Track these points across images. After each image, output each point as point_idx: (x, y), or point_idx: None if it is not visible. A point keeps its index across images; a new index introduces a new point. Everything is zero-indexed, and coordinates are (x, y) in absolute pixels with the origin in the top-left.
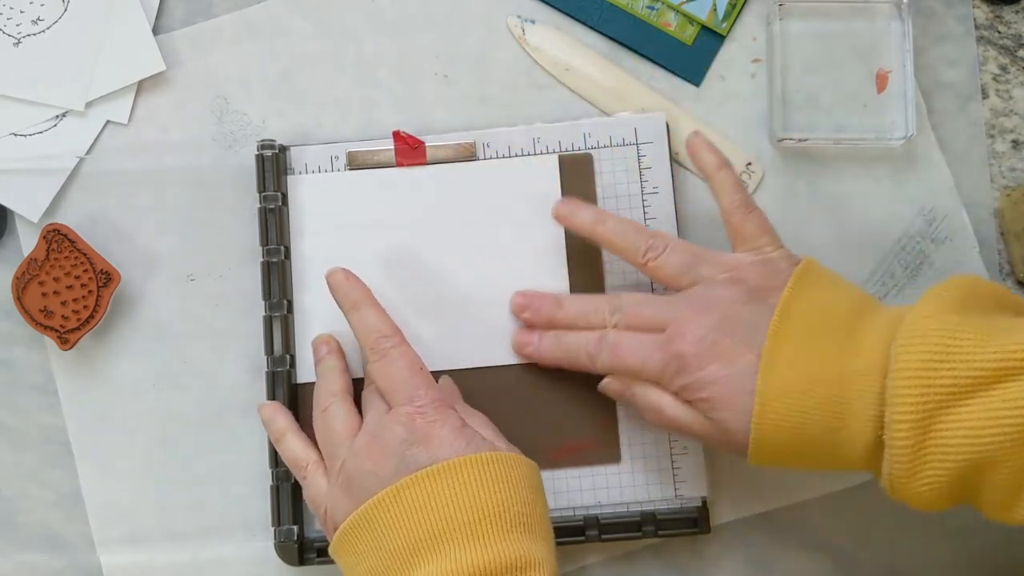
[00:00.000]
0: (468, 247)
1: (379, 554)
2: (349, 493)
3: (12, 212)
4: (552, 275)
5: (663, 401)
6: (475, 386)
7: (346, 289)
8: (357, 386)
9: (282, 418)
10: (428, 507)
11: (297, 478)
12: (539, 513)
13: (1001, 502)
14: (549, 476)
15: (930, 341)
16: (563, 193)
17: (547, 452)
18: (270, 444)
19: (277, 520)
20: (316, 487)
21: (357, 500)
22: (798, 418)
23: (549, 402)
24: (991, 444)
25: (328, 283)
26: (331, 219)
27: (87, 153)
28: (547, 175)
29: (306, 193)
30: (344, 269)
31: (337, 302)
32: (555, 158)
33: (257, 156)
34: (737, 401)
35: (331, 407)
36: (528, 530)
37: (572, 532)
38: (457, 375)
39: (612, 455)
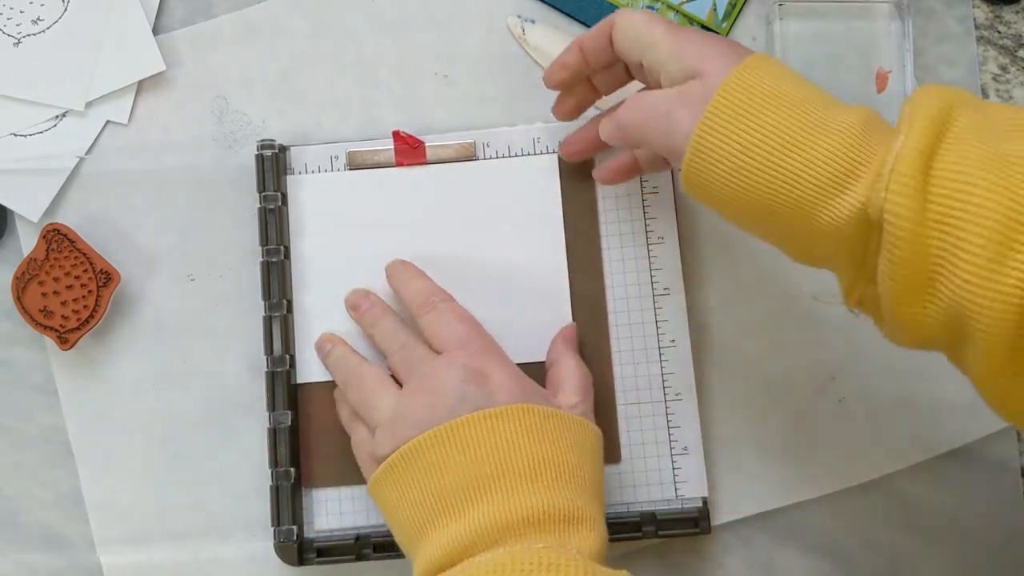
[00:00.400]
0: (468, 247)
1: (428, 490)
2: (395, 431)
3: (12, 212)
4: (552, 275)
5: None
6: None
7: (399, 270)
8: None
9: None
10: (485, 448)
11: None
12: (596, 480)
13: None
14: None
15: (949, 89)
16: (563, 193)
17: None
18: (270, 444)
19: (277, 520)
20: (361, 433)
21: (406, 436)
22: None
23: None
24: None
25: (386, 270)
26: (331, 219)
27: (87, 153)
28: (547, 175)
29: (306, 193)
30: (402, 260)
31: (391, 283)
32: (555, 158)
33: (257, 156)
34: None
35: (357, 370)
36: (584, 490)
37: None
38: None
39: (612, 455)
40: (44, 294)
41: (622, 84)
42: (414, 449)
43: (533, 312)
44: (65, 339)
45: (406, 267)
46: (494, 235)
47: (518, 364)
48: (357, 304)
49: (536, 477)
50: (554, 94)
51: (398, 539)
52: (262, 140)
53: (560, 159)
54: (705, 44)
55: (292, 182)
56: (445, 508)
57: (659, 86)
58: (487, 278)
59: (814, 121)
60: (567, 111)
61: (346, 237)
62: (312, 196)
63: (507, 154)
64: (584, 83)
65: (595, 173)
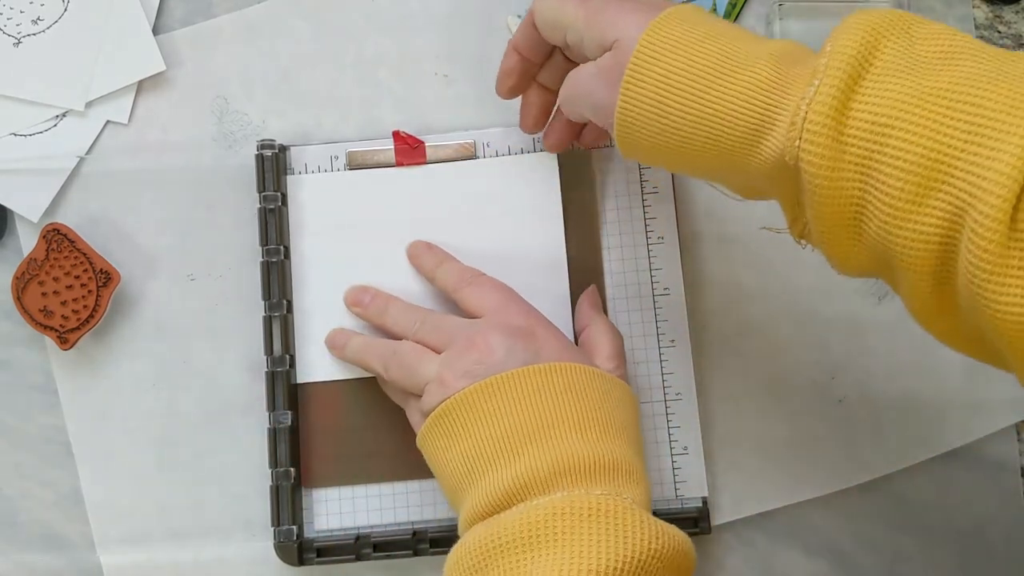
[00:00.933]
0: (467, 245)
1: (478, 438)
2: (444, 384)
3: (12, 212)
4: (552, 273)
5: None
6: None
7: (428, 254)
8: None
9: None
10: (534, 400)
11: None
12: (639, 440)
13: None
14: None
15: (879, 15)
16: (563, 193)
17: None
18: (270, 444)
19: (277, 520)
20: (414, 402)
21: (455, 388)
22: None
23: None
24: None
25: (409, 254)
26: (331, 219)
27: (87, 153)
28: (547, 173)
29: (306, 193)
30: (425, 241)
31: (420, 268)
32: (554, 157)
33: (257, 156)
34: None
35: (391, 347)
36: (631, 446)
37: None
38: None
39: None
40: (44, 294)
41: (567, 71)
42: (464, 399)
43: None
44: (65, 339)
45: (433, 250)
46: (494, 232)
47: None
48: (359, 299)
49: (585, 430)
50: None
51: (446, 490)
52: (262, 140)
53: (560, 157)
54: (618, 11)
55: (292, 182)
56: (497, 455)
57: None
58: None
59: (726, 69)
60: (533, 120)
61: (346, 236)
62: (312, 196)
63: (507, 153)
64: (536, 87)
65: (543, 143)
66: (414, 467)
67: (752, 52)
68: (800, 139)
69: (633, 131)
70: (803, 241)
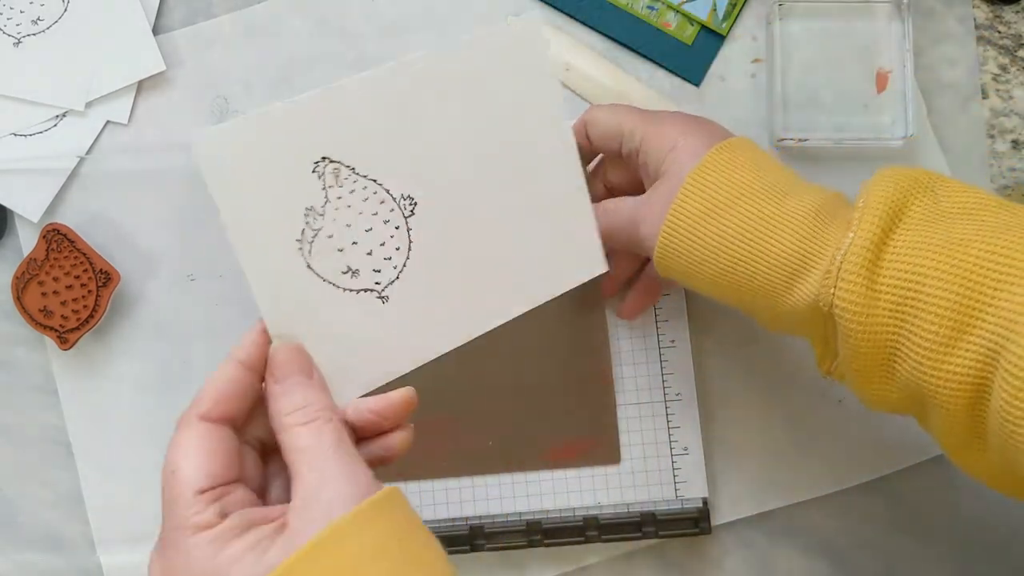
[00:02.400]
0: (453, 171)
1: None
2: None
3: (12, 212)
4: (563, 182)
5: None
6: (473, 385)
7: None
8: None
9: None
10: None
11: None
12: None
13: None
14: (548, 476)
15: (906, 174)
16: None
17: (546, 452)
18: None
19: None
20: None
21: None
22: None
23: (549, 401)
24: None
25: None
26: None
27: (87, 153)
28: (530, 47)
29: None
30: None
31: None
32: (538, 22)
33: None
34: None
35: None
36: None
37: (572, 532)
38: (451, 372)
39: (612, 456)
40: (44, 294)
41: (629, 173)
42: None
43: (548, 233)
44: (65, 339)
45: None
46: (472, 151)
47: (513, 365)
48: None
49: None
50: None
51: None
52: None
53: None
54: (673, 127)
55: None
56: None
57: (641, 169)
58: (480, 211)
59: (769, 214)
60: (617, 281)
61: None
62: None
63: None
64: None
65: (618, 313)
66: (418, 467)
67: (795, 199)
68: (835, 287)
69: (673, 255)
70: (829, 376)
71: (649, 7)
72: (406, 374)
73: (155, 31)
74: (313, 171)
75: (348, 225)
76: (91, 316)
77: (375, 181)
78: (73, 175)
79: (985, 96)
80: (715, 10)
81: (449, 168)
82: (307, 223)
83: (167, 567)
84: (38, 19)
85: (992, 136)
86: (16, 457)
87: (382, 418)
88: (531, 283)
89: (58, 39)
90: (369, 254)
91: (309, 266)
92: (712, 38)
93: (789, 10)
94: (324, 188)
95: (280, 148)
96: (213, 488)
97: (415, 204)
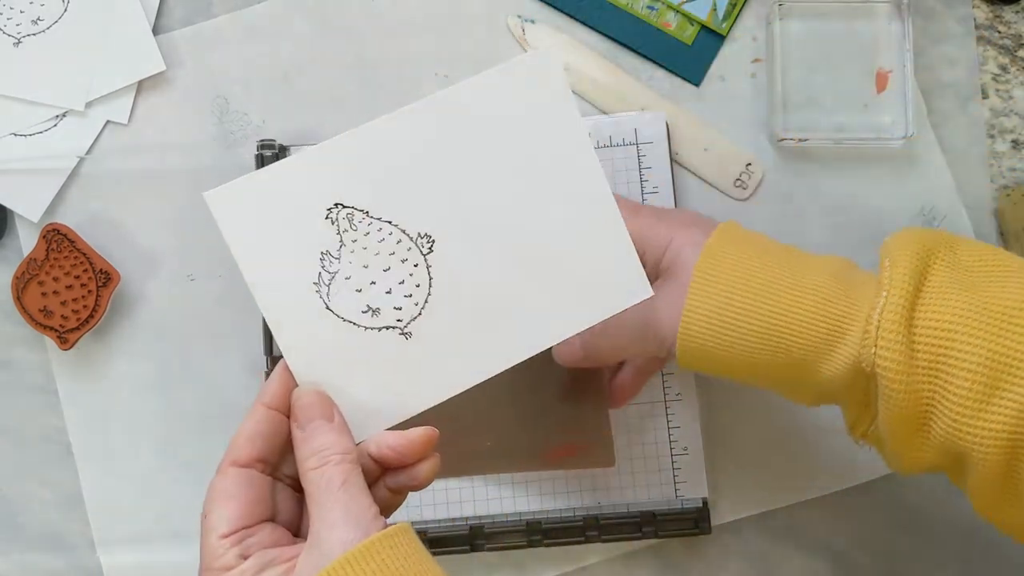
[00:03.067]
0: (478, 208)
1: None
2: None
3: (12, 212)
4: (592, 206)
5: None
6: (473, 387)
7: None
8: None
9: None
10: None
11: None
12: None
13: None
14: (549, 476)
15: (925, 232)
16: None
17: (541, 454)
18: None
19: None
20: None
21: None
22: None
23: (543, 405)
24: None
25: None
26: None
27: (87, 153)
28: (546, 76)
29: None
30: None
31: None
32: (553, 58)
33: (257, 156)
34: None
35: None
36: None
37: (572, 532)
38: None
39: (605, 458)
40: (44, 294)
41: None
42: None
43: (582, 260)
44: (65, 339)
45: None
46: (492, 192)
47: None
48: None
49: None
50: None
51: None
52: (262, 140)
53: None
54: (670, 226)
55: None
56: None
57: None
58: (505, 243)
59: (788, 284)
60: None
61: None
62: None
63: None
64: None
65: (612, 401)
66: None
67: (808, 266)
68: (876, 346)
69: (698, 346)
70: (862, 441)
71: (649, 7)
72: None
73: (155, 31)
74: (326, 217)
75: (365, 266)
76: (91, 316)
77: (390, 223)
78: (73, 175)
79: (985, 96)
80: (715, 10)
81: (468, 203)
82: (323, 267)
83: None
84: (38, 19)
85: (992, 136)
86: (16, 457)
87: (402, 455)
88: (565, 312)
89: (58, 39)
90: (388, 292)
91: (328, 307)
92: (712, 38)
93: (789, 10)
94: (339, 233)
95: (292, 198)
96: (235, 532)
97: (433, 241)
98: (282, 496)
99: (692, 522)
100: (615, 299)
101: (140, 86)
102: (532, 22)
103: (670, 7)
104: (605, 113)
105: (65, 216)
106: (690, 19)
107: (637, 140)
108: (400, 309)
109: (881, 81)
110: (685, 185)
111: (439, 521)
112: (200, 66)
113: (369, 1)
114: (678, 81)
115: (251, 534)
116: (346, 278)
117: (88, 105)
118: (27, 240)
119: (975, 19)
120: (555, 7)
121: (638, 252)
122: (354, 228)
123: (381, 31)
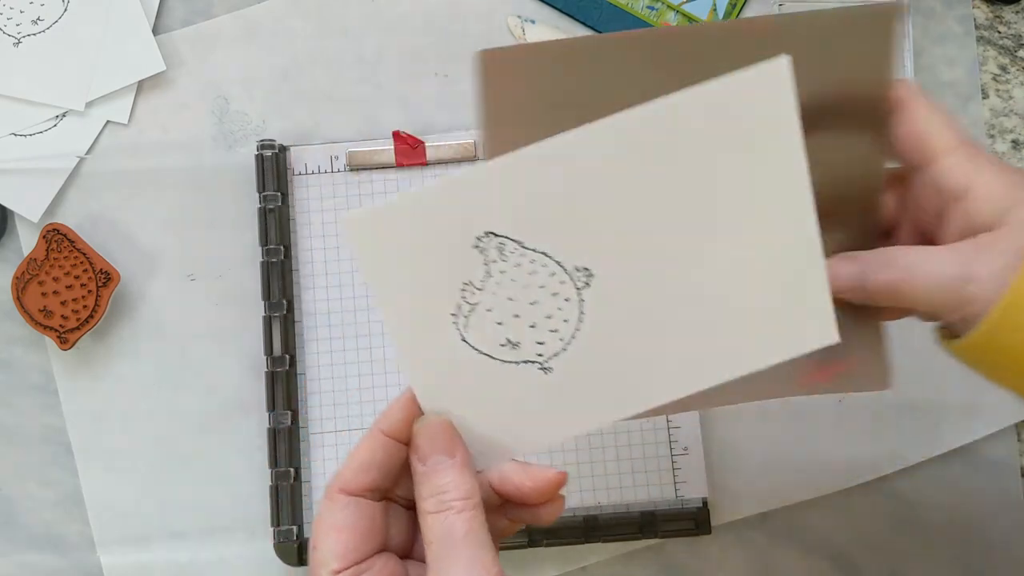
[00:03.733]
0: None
1: None
2: None
3: (12, 212)
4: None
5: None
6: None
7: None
8: None
9: None
10: None
11: None
12: None
13: None
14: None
15: None
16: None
17: (799, 374)
18: (270, 444)
19: (276, 520)
20: None
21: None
22: None
23: None
24: None
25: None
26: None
27: (87, 153)
28: (774, 90)
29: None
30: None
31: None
32: (783, 62)
33: (257, 156)
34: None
35: None
36: None
37: (572, 532)
38: None
39: (878, 378)
40: (44, 294)
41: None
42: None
43: (764, 295)
44: (65, 339)
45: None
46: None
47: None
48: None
49: None
50: None
51: None
52: (262, 140)
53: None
54: (1013, 175)
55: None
56: None
57: (946, 210)
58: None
59: None
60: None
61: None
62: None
63: None
64: None
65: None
66: None
67: None
68: None
69: (1013, 325)
70: None
71: (649, 7)
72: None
73: (155, 31)
74: (475, 246)
75: (510, 298)
76: (91, 316)
77: (545, 254)
78: (73, 175)
79: (985, 96)
80: (715, 10)
81: (640, 232)
82: (464, 298)
83: None
84: (38, 19)
85: (992, 136)
86: (16, 457)
87: (526, 497)
88: (730, 352)
89: (58, 39)
90: (532, 327)
91: (464, 339)
92: None
93: (789, 10)
94: (486, 263)
95: (437, 225)
96: (348, 568)
97: (591, 276)
98: (394, 518)
99: (692, 522)
100: (795, 342)
101: (140, 86)
102: (532, 22)
103: (670, 7)
104: None
105: (65, 216)
106: (690, 19)
107: None
108: (543, 344)
109: None
110: None
111: None
112: (200, 66)
113: (369, 1)
114: None
115: (364, 570)
116: (487, 310)
117: (88, 105)
118: (27, 240)
119: (975, 19)
120: (555, 7)
121: (964, 192)
122: (504, 259)
123: (381, 31)
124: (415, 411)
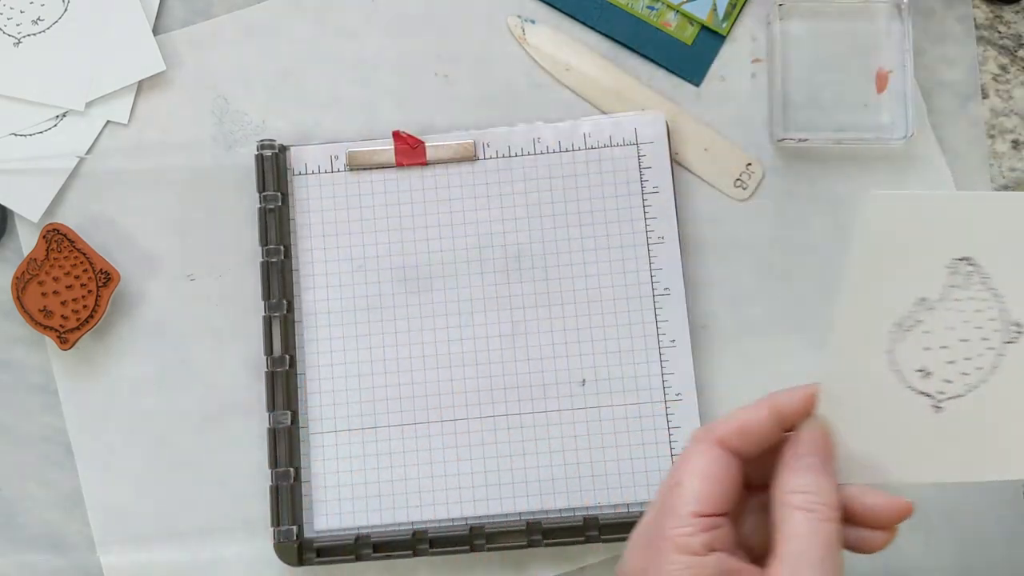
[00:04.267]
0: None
1: None
2: None
3: (12, 212)
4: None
5: None
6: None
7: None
8: None
9: None
10: None
11: None
12: None
13: None
14: (549, 476)
15: None
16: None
17: None
18: (270, 444)
19: (276, 520)
20: None
21: None
22: None
23: None
24: None
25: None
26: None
27: (87, 153)
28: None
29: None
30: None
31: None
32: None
33: (257, 156)
34: None
35: None
36: None
37: (572, 532)
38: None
39: None
40: (44, 294)
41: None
42: None
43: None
44: (65, 339)
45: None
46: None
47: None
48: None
49: None
50: (553, 94)
51: None
52: (262, 140)
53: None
54: None
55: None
56: None
57: None
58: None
59: None
60: None
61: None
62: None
63: (507, 154)
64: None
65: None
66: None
67: None
68: None
69: None
70: None
71: (649, 7)
72: None
73: (155, 31)
74: (947, 266)
75: (949, 328)
76: (91, 316)
77: (998, 297)
78: (73, 175)
79: (985, 96)
80: (715, 10)
81: None
82: (913, 312)
83: (644, 559)
84: (38, 19)
85: (992, 136)
86: (16, 457)
87: (872, 517)
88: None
89: (58, 39)
90: (951, 363)
91: (889, 351)
92: (712, 38)
93: (789, 10)
94: (949, 286)
95: (936, 232)
96: (708, 516)
97: (1021, 333)
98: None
99: None
100: None
101: (140, 86)
102: (532, 22)
103: (670, 7)
104: (605, 113)
105: (65, 216)
106: (690, 19)
107: (637, 140)
108: (949, 383)
109: (881, 81)
110: (685, 185)
111: (439, 521)
112: (200, 66)
113: (369, 1)
114: (678, 81)
115: (718, 525)
116: (925, 332)
117: (88, 105)
118: (27, 240)
119: (975, 19)
120: (555, 7)
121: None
122: (965, 288)
123: (381, 31)
124: (811, 407)
